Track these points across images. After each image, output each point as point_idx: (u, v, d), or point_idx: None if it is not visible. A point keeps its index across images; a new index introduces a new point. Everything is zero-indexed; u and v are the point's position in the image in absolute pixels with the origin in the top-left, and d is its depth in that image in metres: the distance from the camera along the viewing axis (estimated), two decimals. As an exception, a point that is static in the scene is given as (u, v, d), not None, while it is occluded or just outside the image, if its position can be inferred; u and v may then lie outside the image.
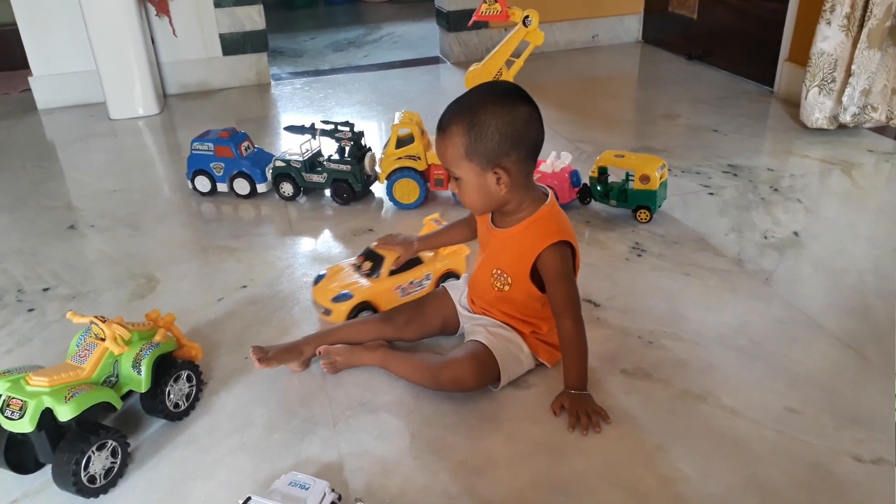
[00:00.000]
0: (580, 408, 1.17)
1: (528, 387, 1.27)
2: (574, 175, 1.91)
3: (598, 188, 1.87)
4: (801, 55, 2.51)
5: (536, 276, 1.23)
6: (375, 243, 1.48)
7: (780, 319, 1.43)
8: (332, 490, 1.00)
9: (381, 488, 1.07)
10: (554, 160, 1.92)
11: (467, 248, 1.48)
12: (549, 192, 1.26)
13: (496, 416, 1.20)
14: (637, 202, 1.82)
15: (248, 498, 0.96)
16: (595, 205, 1.94)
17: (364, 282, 1.45)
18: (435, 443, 1.15)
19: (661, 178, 1.80)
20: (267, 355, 1.28)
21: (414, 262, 1.48)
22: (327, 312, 1.43)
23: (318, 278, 1.49)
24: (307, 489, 0.99)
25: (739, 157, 2.23)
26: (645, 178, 1.79)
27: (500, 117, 1.13)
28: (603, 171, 1.88)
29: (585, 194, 1.93)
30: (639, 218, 1.83)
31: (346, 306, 1.41)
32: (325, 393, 1.27)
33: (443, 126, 1.16)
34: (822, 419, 1.16)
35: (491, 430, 1.18)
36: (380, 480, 1.08)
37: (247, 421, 1.22)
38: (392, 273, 1.45)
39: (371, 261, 1.47)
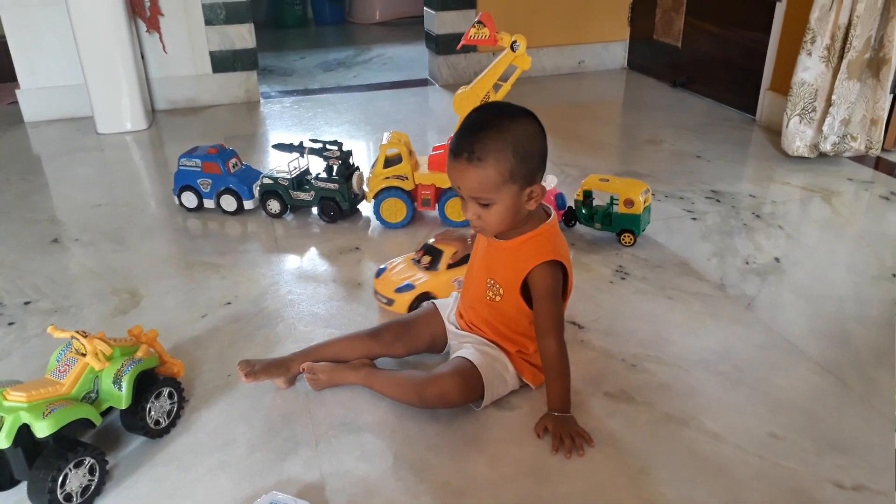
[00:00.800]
0: (563, 430, 1.17)
1: (512, 408, 1.27)
2: (559, 198, 1.93)
3: (583, 211, 1.89)
4: (783, 84, 2.55)
5: (527, 293, 1.23)
6: (433, 239, 1.59)
7: (762, 345, 1.44)
8: None
9: (362, 509, 1.06)
10: (540, 183, 1.93)
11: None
12: (553, 211, 1.27)
13: (479, 438, 1.20)
14: (621, 226, 1.84)
15: None
16: (580, 228, 1.95)
17: (423, 275, 1.55)
18: (417, 464, 1.15)
19: (644, 202, 1.82)
20: (254, 369, 1.28)
21: (468, 258, 1.51)
22: (390, 302, 1.53)
23: (380, 271, 1.59)
24: None
25: (722, 183, 2.26)
26: (629, 203, 1.80)
27: (534, 135, 1.16)
28: (588, 195, 1.89)
29: (570, 217, 1.94)
30: (623, 241, 1.85)
31: (408, 296, 1.52)
32: (308, 412, 1.26)
33: (478, 154, 1.11)
34: (804, 445, 1.17)
35: (474, 451, 1.17)
36: (361, 501, 1.07)
37: (228, 439, 1.20)
38: (449, 267, 1.55)
39: (430, 255, 1.57)
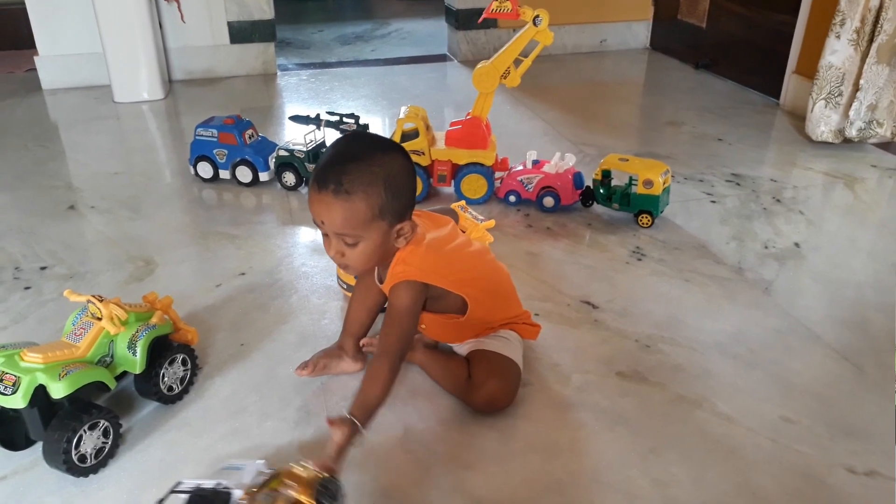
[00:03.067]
0: (341, 443, 0.99)
1: (523, 385, 1.26)
2: (577, 177, 1.91)
3: (601, 191, 1.87)
4: (809, 68, 2.51)
5: (434, 307, 1.18)
6: None
7: (778, 329, 1.42)
8: (270, 469, 0.99)
9: (372, 480, 1.06)
10: (558, 161, 1.92)
11: (490, 236, 1.47)
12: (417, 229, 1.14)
13: (490, 414, 1.19)
14: (639, 206, 1.82)
15: (178, 483, 0.94)
16: (597, 207, 1.93)
17: None
18: (427, 437, 1.15)
19: (664, 183, 1.80)
20: (316, 365, 1.27)
21: None
22: (350, 289, 1.46)
23: None
24: (241, 469, 0.98)
25: (743, 167, 2.23)
26: (648, 183, 1.78)
27: (407, 170, 1.07)
28: (606, 175, 1.87)
29: (588, 197, 1.92)
30: (640, 222, 1.83)
31: None
32: (320, 383, 1.27)
33: (346, 187, 1.00)
34: (817, 430, 1.16)
35: (484, 426, 1.17)
36: (371, 471, 1.08)
37: (240, 407, 1.21)
38: None
39: None
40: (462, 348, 1.28)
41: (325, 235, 1.09)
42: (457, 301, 1.18)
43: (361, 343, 1.30)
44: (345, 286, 1.49)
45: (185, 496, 0.94)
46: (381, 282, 1.17)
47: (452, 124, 1.96)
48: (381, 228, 1.05)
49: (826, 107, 2.31)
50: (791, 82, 2.74)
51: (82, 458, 1.05)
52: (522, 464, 1.10)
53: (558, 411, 1.20)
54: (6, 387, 1.02)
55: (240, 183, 2.12)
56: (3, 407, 1.05)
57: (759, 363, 1.32)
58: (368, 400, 1.05)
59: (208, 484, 0.94)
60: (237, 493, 0.92)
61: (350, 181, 1.01)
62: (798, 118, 2.58)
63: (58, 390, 1.02)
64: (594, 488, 1.05)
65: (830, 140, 2.34)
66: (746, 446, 1.12)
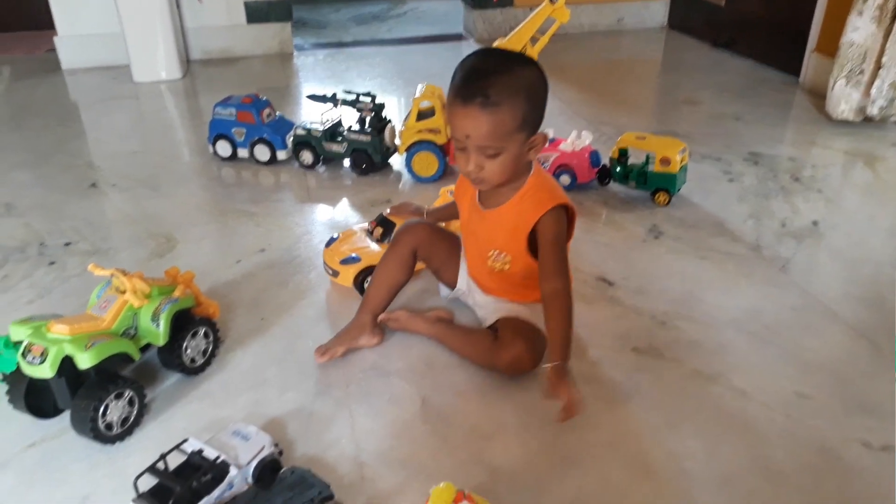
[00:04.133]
0: (567, 386, 1.06)
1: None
2: (594, 155, 1.91)
3: (618, 169, 1.87)
4: (830, 45, 2.47)
5: (535, 248, 1.20)
6: (389, 210, 1.51)
7: (795, 306, 1.42)
8: (276, 445, 1.02)
9: (391, 449, 1.08)
10: (574, 139, 1.92)
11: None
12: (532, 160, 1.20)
13: (506, 386, 1.21)
14: (656, 185, 1.82)
15: (185, 439, 0.99)
16: (614, 186, 1.93)
17: (374, 247, 1.47)
18: (445, 409, 1.17)
19: (681, 161, 1.80)
20: (330, 347, 1.27)
21: None
22: (335, 274, 1.47)
23: (331, 241, 1.52)
24: (248, 440, 1.01)
25: (761, 146, 2.21)
26: (665, 161, 1.78)
27: (543, 81, 1.12)
28: (623, 153, 1.87)
29: (604, 175, 1.92)
30: (657, 201, 1.83)
31: (353, 269, 1.44)
32: (338, 358, 1.28)
33: (493, 99, 1.05)
34: (833, 405, 1.16)
35: (501, 399, 1.18)
36: (390, 442, 1.10)
37: (261, 380, 1.23)
38: None
39: (383, 227, 1.50)
40: (491, 316, 1.29)
41: (461, 150, 1.12)
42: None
43: (380, 318, 1.32)
44: (330, 272, 1.48)
45: (185, 456, 0.97)
46: (488, 207, 1.21)
47: (469, 102, 1.95)
48: (520, 140, 1.10)
49: (847, 85, 2.28)
50: (811, 60, 2.71)
51: (108, 427, 1.08)
52: (539, 435, 1.11)
53: (574, 385, 1.21)
54: (34, 357, 1.05)
55: (258, 161, 2.13)
56: (32, 376, 1.08)
57: (775, 340, 1.32)
58: (562, 341, 1.10)
59: (211, 453, 0.97)
60: (233, 472, 0.95)
61: (497, 93, 1.05)
62: (818, 96, 2.55)
63: (84, 360, 1.05)
64: (609, 459, 1.06)
65: (851, 118, 2.31)
66: (761, 421, 1.13)
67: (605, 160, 1.94)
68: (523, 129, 1.09)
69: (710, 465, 1.05)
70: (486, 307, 1.32)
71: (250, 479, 0.97)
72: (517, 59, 1.11)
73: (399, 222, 1.46)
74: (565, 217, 1.19)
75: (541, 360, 1.22)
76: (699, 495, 0.99)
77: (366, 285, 1.43)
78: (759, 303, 1.43)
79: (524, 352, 1.20)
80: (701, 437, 1.10)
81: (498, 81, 1.06)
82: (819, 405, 1.17)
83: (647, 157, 1.82)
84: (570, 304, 1.14)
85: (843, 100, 2.30)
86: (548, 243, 1.17)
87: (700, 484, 1.01)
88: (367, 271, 1.44)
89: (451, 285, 1.39)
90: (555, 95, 2.75)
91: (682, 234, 1.69)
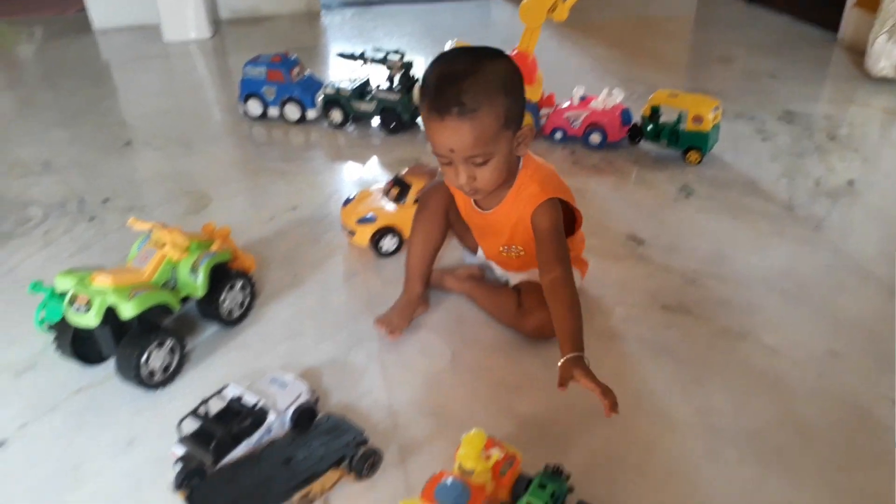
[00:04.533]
0: (596, 379, 0.99)
1: (569, 316, 1.28)
2: (625, 113, 1.89)
3: (650, 128, 1.85)
4: (871, 0, 2.40)
5: None
6: (405, 171, 1.52)
7: (828, 265, 1.41)
8: (312, 392, 1.05)
9: (422, 399, 1.11)
10: (605, 97, 1.90)
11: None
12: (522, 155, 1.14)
13: (534, 342, 1.22)
14: (688, 143, 1.80)
15: (225, 385, 1.03)
16: (645, 144, 1.92)
17: (391, 207, 1.48)
18: (474, 362, 1.19)
19: (714, 119, 1.77)
20: (396, 325, 1.24)
21: None
22: (351, 233, 1.48)
23: (347, 201, 1.53)
24: (285, 387, 1.05)
25: (796, 104, 2.17)
26: (698, 119, 1.76)
27: (516, 70, 1.04)
28: (655, 111, 1.85)
29: (635, 133, 1.91)
30: (689, 159, 1.81)
31: (369, 229, 1.45)
32: (371, 310, 1.31)
33: (470, 106, 0.97)
34: (865, 363, 1.16)
35: (529, 354, 1.20)
36: (421, 392, 1.12)
37: (296, 332, 1.27)
38: (416, 201, 1.43)
39: (399, 187, 1.50)
40: (514, 278, 1.30)
41: (447, 165, 1.05)
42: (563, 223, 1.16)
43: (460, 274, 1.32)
44: (347, 231, 1.49)
45: (225, 401, 1.01)
46: (486, 209, 1.17)
47: (499, 60, 1.93)
48: (507, 138, 1.04)
49: (888, 41, 2.22)
50: (851, 16, 2.63)
51: (151, 374, 1.12)
52: (566, 390, 1.12)
53: (602, 341, 1.23)
54: (80, 307, 1.09)
55: (288, 121, 2.15)
56: (77, 326, 1.12)
57: (807, 298, 1.32)
58: (572, 331, 1.04)
59: (251, 398, 1.00)
60: (272, 418, 0.99)
61: (472, 97, 0.97)
62: (857, 53, 2.48)
63: (127, 310, 1.09)
64: (636, 415, 1.08)
65: (891, 76, 2.25)
66: (791, 378, 1.14)
67: (636, 118, 1.92)
68: (508, 126, 1.03)
69: (738, 420, 1.06)
70: (510, 275, 1.33)
71: (288, 425, 1.00)
72: (484, 55, 1.03)
73: (415, 183, 1.47)
74: (561, 211, 1.13)
75: (582, 320, 1.21)
76: (726, 450, 1.01)
77: (381, 246, 1.45)
78: (792, 262, 1.43)
79: (548, 321, 1.18)
80: (729, 393, 1.11)
81: (471, 84, 0.98)
82: (851, 363, 1.17)
83: (680, 115, 1.80)
84: (572, 294, 1.08)
85: (884, 56, 2.24)
86: (543, 235, 1.12)
87: (727, 438, 1.03)
88: (383, 231, 1.45)
89: (474, 250, 1.38)
90: (585, 52, 2.71)
91: (714, 193, 1.68)
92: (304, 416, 1.02)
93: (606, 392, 0.96)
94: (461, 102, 0.97)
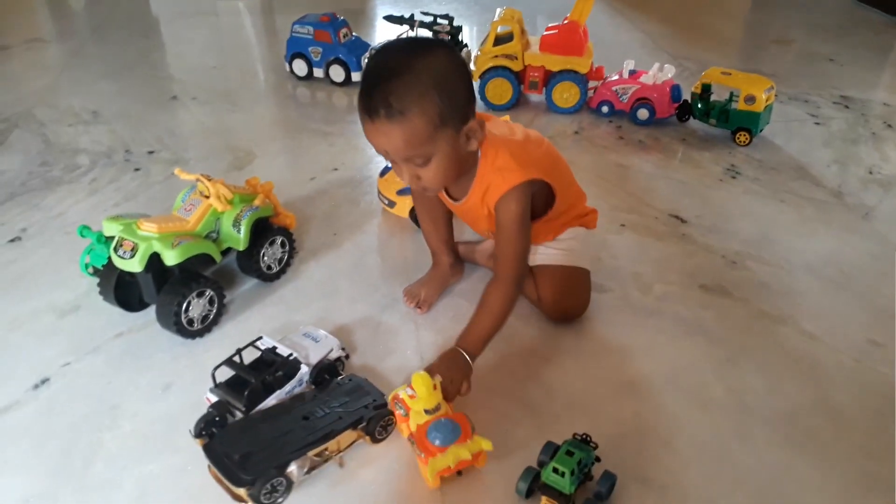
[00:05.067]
0: (457, 381, 0.99)
1: (603, 291, 1.28)
2: (675, 89, 1.85)
3: (700, 105, 1.81)
4: (942, -17, 2.30)
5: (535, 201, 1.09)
6: None
7: (875, 254, 1.38)
8: (343, 349, 1.07)
9: (453, 364, 1.11)
10: (656, 72, 1.86)
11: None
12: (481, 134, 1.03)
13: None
14: (738, 123, 1.75)
15: (260, 337, 1.05)
16: (693, 123, 1.88)
17: None
18: (506, 331, 1.17)
19: (766, 100, 1.73)
20: (423, 298, 1.23)
21: None
22: (391, 204, 1.45)
23: (385, 170, 1.50)
24: (318, 342, 1.06)
25: (853, 89, 2.10)
26: (750, 99, 1.71)
27: (454, 64, 0.96)
28: (706, 89, 1.80)
29: (684, 111, 1.87)
30: (738, 140, 1.77)
31: (410, 200, 1.41)
32: (406, 275, 1.32)
33: (396, 108, 0.91)
34: (905, 355, 1.14)
35: (562, 327, 1.20)
36: (453, 357, 1.13)
37: (332, 290, 1.28)
38: None
39: None
40: (530, 258, 1.23)
41: (394, 164, 1.01)
42: (541, 198, 1.12)
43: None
44: (386, 202, 1.46)
45: (259, 352, 1.03)
46: (457, 199, 1.11)
47: (548, 29, 1.91)
48: (449, 136, 0.96)
49: (957, 27, 2.12)
50: (919, 0, 2.53)
51: (190, 322, 1.14)
52: (597, 362, 1.13)
53: (637, 317, 1.22)
54: (125, 252, 1.12)
55: (332, 82, 2.15)
56: (121, 271, 1.15)
57: (850, 286, 1.29)
58: (482, 332, 1.03)
59: (284, 350, 1.02)
60: (304, 370, 1.00)
61: (398, 99, 0.90)
62: (922, 40, 2.39)
63: (171, 258, 1.11)
64: (667, 391, 1.07)
65: (957, 64, 2.16)
66: (828, 364, 1.12)
67: (686, 96, 1.88)
68: (445, 125, 0.94)
69: (771, 401, 1.05)
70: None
71: (307, 380, 1.02)
72: (417, 49, 0.95)
73: None
74: (528, 192, 1.04)
75: (588, 302, 1.20)
76: (756, 430, 1.00)
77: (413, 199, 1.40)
78: (837, 249, 1.39)
79: (569, 308, 1.19)
80: (764, 375, 1.10)
81: (397, 85, 0.91)
82: (890, 353, 1.14)
83: (731, 95, 1.76)
84: (511, 301, 1.05)
85: (951, 43, 2.15)
86: (501, 227, 1.05)
87: (758, 419, 1.02)
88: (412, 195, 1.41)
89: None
90: (638, 27, 2.66)
91: (761, 176, 1.64)
92: (324, 374, 1.03)
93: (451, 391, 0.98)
94: (388, 104, 0.91)
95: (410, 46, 0.98)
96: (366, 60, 0.95)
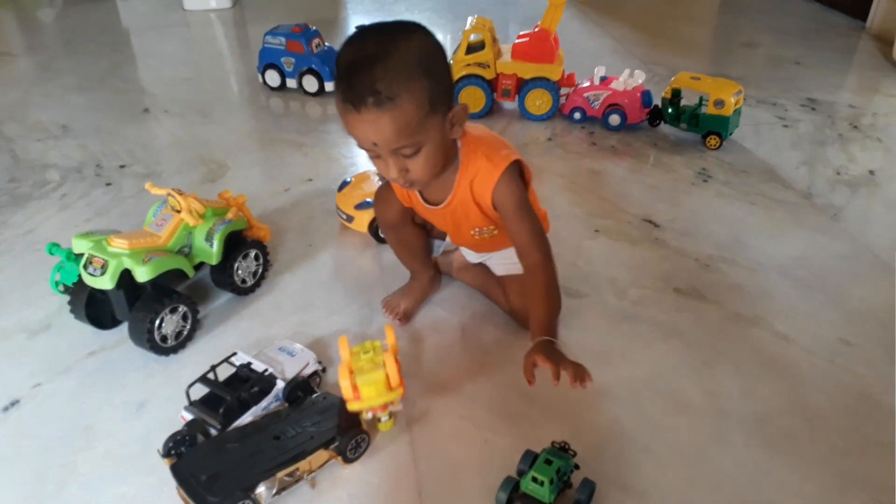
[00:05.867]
0: (561, 358, 0.92)
1: (579, 296, 1.28)
2: (646, 95, 1.87)
3: (670, 110, 1.83)
4: (903, -13, 2.35)
5: None
6: None
7: (845, 255, 1.40)
8: (319, 362, 1.07)
9: (432, 373, 1.11)
10: (627, 78, 1.88)
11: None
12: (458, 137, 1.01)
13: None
14: (708, 127, 1.78)
15: (234, 353, 1.04)
16: (664, 128, 1.90)
17: None
18: (484, 338, 1.19)
19: (735, 104, 1.75)
20: (404, 311, 1.22)
21: None
22: (349, 219, 1.43)
23: (343, 184, 1.48)
24: (293, 356, 1.06)
25: (820, 92, 2.14)
26: (719, 103, 1.73)
27: (437, 44, 0.92)
28: (676, 94, 1.83)
29: (655, 116, 1.89)
30: (708, 144, 1.79)
31: (368, 214, 1.40)
32: (383, 284, 1.31)
33: (386, 93, 0.85)
34: (876, 353, 1.16)
35: (541, 332, 1.20)
36: (432, 366, 1.13)
37: (308, 302, 1.27)
38: None
39: None
40: (497, 268, 1.24)
41: (375, 158, 0.95)
42: None
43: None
44: (344, 217, 1.44)
45: (234, 368, 1.02)
46: (437, 203, 1.07)
47: (520, 36, 1.92)
48: (437, 122, 0.92)
49: (918, 30, 2.17)
50: (880, 4, 2.58)
51: (163, 339, 1.13)
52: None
53: (613, 322, 1.22)
54: (95, 269, 1.10)
55: (306, 92, 2.14)
56: (92, 288, 1.13)
57: (821, 287, 1.31)
58: (545, 319, 0.98)
59: (259, 366, 1.01)
60: (280, 385, 1.00)
61: (386, 84, 0.85)
62: (885, 42, 2.44)
63: (142, 274, 1.10)
64: (645, 395, 1.08)
65: (919, 66, 2.21)
66: (802, 365, 1.13)
67: (656, 101, 1.90)
68: (435, 110, 0.91)
69: (747, 404, 1.06)
70: (486, 260, 1.26)
71: (280, 397, 1.01)
72: (397, 32, 0.90)
73: None
74: (518, 175, 1.04)
75: (559, 308, 1.12)
76: (734, 433, 1.01)
77: (381, 232, 1.38)
78: (807, 250, 1.41)
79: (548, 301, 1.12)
80: (739, 378, 1.11)
81: (383, 70, 0.85)
82: (862, 352, 1.16)
83: (701, 99, 1.78)
84: (552, 277, 1.02)
85: (913, 46, 2.20)
86: (510, 216, 1.03)
87: (735, 422, 1.02)
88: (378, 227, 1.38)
89: (443, 236, 1.30)
90: (608, 33, 2.68)
91: (732, 179, 1.66)
92: (298, 391, 1.02)
93: (567, 366, 0.89)
94: (376, 91, 0.85)
95: (387, 29, 0.90)
96: (340, 49, 0.90)
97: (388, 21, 0.93)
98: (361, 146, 0.94)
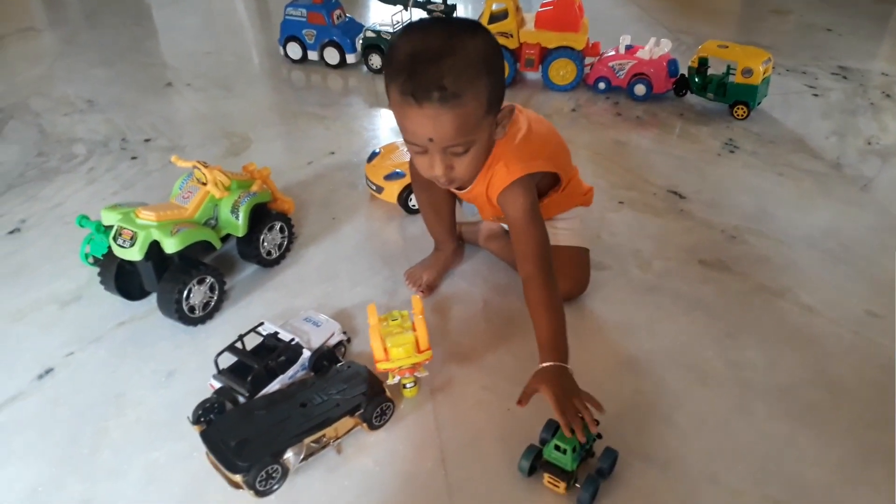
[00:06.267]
0: (565, 394, 0.87)
1: (603, 268, 1.28)
2: (672, 64, 1.84)
3: (696, 80, 1.80)
4: (941, -50, 2.27)
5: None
6: None
7: (874, 226, 1.38)
8: (343, 332, 1.08)
9: (455, 344, 1.12)
10: (652, 47, 1.85)
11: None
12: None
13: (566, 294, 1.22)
14: (735, 97, 1.75)
15: (261, 323, 1.06)
16: (691, 97, 1.87)
17: None
18: (506, 310, 1.19)
19: (764, 73, 1.72)
20: (426, 282, 1.22)
21: None
22: (379, 190, 1.44)
23: (373, 155, 1.49)
24: (319, 326, 1.07)
25: (852, 60, 2.09)
26: (747, 72, 1.70)
27: (497, 44, 0.92)
28: (703, 63, 1.79)
29: (682, 86, 1.86)
30: (735, 114, 1.76)
31: (398, 185, 1.41)
32: (406, 257, 1.32)
33: (452, 90, 0.84)
34: (904, 325, 1.14)
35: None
36: (455, 337, 1.14)
37: (332, 274, 1.28)
38: None
39: None
40: None
41: (421, 153, 0.93)
42: (544, 181, 1.12)
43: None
44: (374, 188, 1.45)
45: (261, 338, 1.03)
46: (462, 188, 1.07)
47: (543, 5, 1.89)
48: (489, 123, 0.92)
49: (956, -6, 2.10)
50: (918, -33, 2.50)
51: (191, 309, 1.15)
52: (598, 340, 1.13)
53: (636, 294, 1.22)
54: (124, 240, 1.12)
55: (327, 64, 2.14)
56: (121, 260, 1.15)
57: (849, 258, 1.29)
58: (549, 337, 0.94)
59: (286, 336, 1.03)
60: (306, 354, 1.01)
61: (454, 80, 0.84)
62: (921, 7, 2.37)
63: (170, 245, 1.11)
64: (668, 366, 1.08)
65: (956, 32, 2.15)
66: (827, 336, 1.12)
67: (683, 70, 1.87)
68: (491, 111, 0.91)
69: (771, 376, 1.05)
70: None
71: (306, 366, 1.02)
72: (463, 29, 0.89)
73: None
74: (533, 185, 1.02)
75: (588, 279, 1.19)
76: (756, 404, 1.01)
77: (410, 202, 1.41)
78: (836, 221, 1.39)
79: (569, 289, 1.17)
80: (763, 349, 1.10)
81: (452, 66, 0.84)
82: (889, 324, 1.14)
83: (728, 68, 1.75)
84: (548, 294, 0.97)
85: (950, 11, 2.13)
86: (513, 223, 1.02)
87: (758, 393, 1.02)
88: (412, 187, 1.40)
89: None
90: (633, 1, 2.63)
91: (759, 150, 1.64)
92: (323, 360, 1.04)
93: (572, 415, 0.85)
94: (442, 87, 0.84)
95: (452, 26, 0.90)
96: (394, 40, 0.90)
97: (446, 18, 0.93)
98: (411, 140, 0.92)
